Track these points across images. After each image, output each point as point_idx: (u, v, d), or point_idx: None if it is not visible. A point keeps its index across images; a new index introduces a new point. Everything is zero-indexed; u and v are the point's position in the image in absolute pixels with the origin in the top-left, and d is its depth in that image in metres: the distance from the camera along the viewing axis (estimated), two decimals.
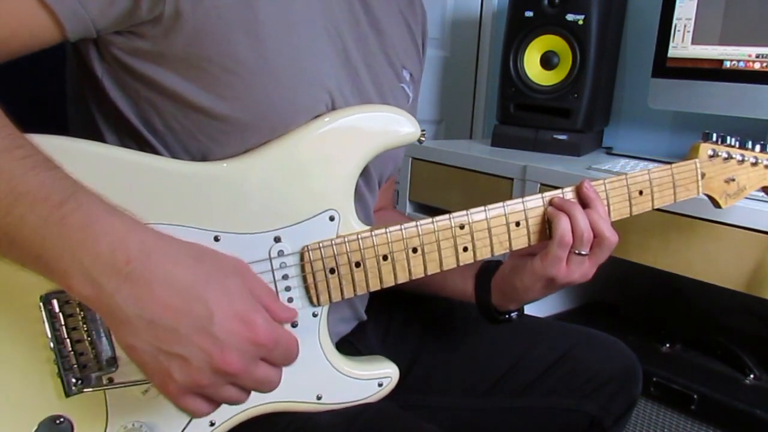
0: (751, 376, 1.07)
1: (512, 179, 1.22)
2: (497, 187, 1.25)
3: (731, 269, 0.94)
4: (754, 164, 0.79)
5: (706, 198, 0.80)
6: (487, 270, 0.77)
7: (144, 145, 0.61)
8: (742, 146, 0.78)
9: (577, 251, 0.66)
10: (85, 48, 0.59)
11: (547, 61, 1.36)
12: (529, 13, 1.35)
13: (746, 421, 0.98)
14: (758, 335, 1.25)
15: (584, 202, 0.68)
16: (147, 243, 0.47)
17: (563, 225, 0.65)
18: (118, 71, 0.59)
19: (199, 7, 0.56)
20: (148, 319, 0.46)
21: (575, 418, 0.82)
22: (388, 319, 0.85)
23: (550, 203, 0.68)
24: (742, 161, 0.78)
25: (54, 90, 0.72)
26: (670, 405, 1.08)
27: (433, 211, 1.40)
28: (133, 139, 0.62)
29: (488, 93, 1.85)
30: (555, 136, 1.36)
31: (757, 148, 0.80)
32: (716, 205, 0.80)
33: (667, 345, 1.18)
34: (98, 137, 0.63)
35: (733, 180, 0.78)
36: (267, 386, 0.52)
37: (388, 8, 0.76)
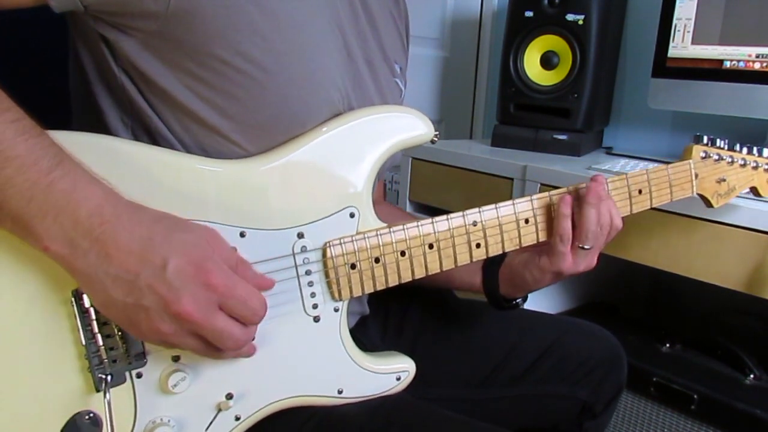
0: (751, 376, 1.07)
1: (512, 179, 1.22)
2: (497, 187, 1.25)
3: (731, 269, 0.94)
4: (743, 165, 0.83)
5: (699, 197, 0.83)
6: (492, 263, 0.79)
7: (160, 140, 0.62)
8: (731, 148, 0.82)
9: (580, 245, 0.70)
10: (99, 48, 0.59)
11: (547, 61, 1.36)
12: (529, 13, 1.35)
13: (746, 421, 0.98)
14: (758, 335, 1.25)
15: (583, 198, 0.71)
16: (118, 208, 0.51)
17: (564, 224, 0.69)
18: (135, 78, 0.60)
19: (206, 2, 0.56)
20: (113, 275, 0.50)
21: (568, 404, 0.85)
22: (385, 313, 0.87)
23: (556, 204, 0.71)
24: (732, 162, 0.82)
25: (53, 86, 0.72)
26: (670, 405, 1.08)
27: (433, 211, 1.41)
28: (147, 134, 0.62)
29: (488, 93, 1.85)
30: (555, 136, 1.36)
31: (744, 150, 0.83)
32: (708, 204, 0.83)
33: (667, 345, 1.18)
34: (108, 131, 0.63)
35: (724, 180, 0.82)
36: (230, 341, 0.53)
37: (379, 4, 0.77)
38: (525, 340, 0.87)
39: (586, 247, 0.70)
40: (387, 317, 0.88)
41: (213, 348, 0.54)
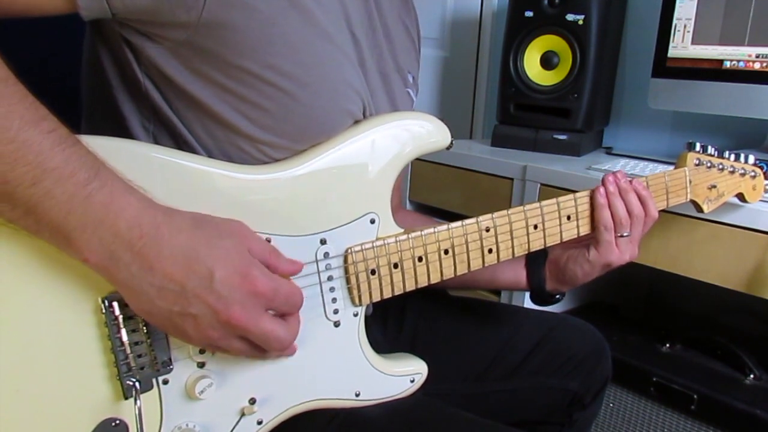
0: (751, 376, 1.07)
1: (512, 179, 1.22)
2: (497, 187, 1.25)
3: (731, 269, 0.94)
4: (731, 173, 0.86)
5: (691, 203, 0.85)
6: (536, 262, 0.83)
7: (183, 147, 0.61)
8: (720, 155, 0.85)
9: (619, 234, 0.75)
10: (122, 52, 0.59)
11: (547, 61, 1.36)
12: (529, 13, 1.35)
13: (746, 421, 0.98)
14: (758, 335, 1.25)
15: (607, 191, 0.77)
16: (157, 218, 0.51)
17: (604, 213, 0.75)
18: (160, 84, 0.60)
19: (238, 15, 0.55)
20: (158, 286, 0.50)
21: (559, 395, 0.88)
22: (384, 313, 0.88)
23: (591, 198, 0.76)
24: (722, 169, 0.85)
25: (53, 87, 0.72)
26: (670, 405, 1.08)
27: (433, 211, 1.41)
28: (170, 140, 0.62)
29: (488, 93, 1.85)
30: (555, 136, 1.36)
31: (732, 157, 0.86)
32: (699, 209, 0.86)
33: (667, 345, 1.18)
34: (129, 136, 0.62)
35: (715, 187, 0.85)
36: (276, 342, 0.55)
37: (392, 14, 0.77)
38: (517, 335, 0.89)
39: (624, 234, 0.75)
40: (386, 317, 0.89)
41: (259, 349, 0.56)
